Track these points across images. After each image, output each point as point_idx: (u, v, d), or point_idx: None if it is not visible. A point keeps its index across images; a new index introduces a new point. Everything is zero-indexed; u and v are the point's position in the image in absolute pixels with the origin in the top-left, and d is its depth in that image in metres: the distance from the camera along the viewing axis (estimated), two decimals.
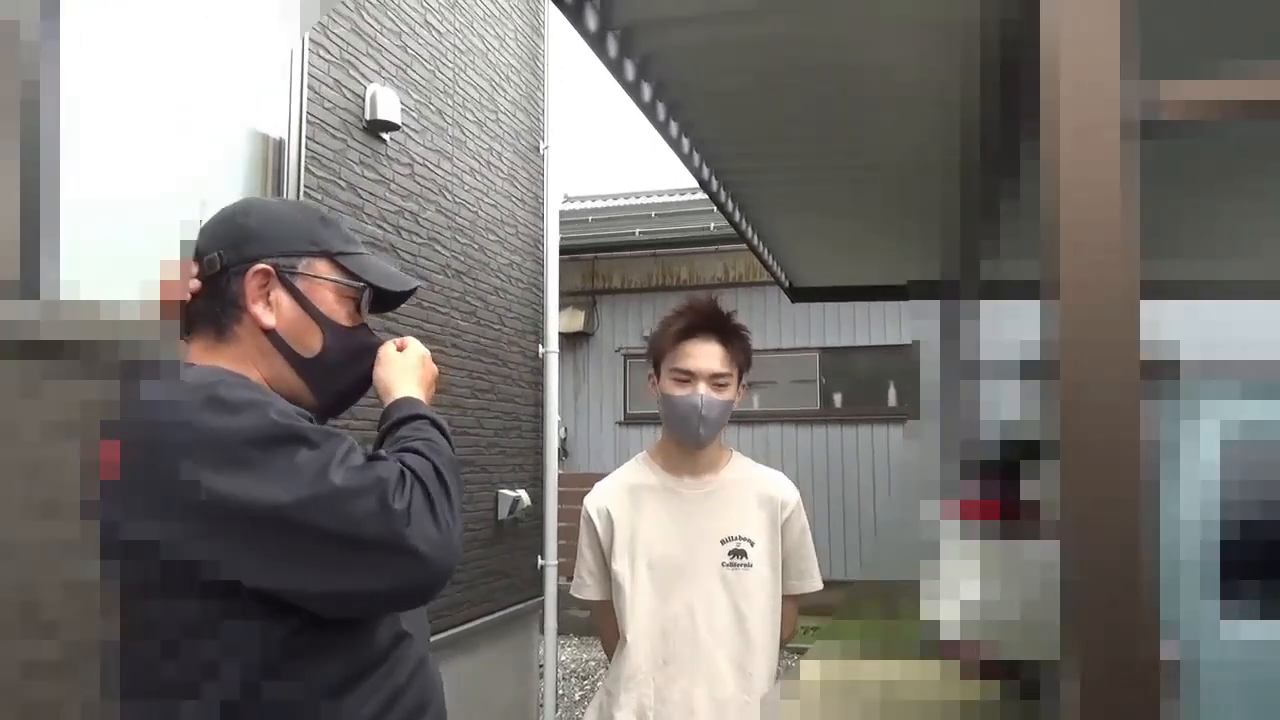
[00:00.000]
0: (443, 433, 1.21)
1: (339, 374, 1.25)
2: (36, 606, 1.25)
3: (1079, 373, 1.22)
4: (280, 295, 1.19)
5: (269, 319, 1.18)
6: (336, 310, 1.23)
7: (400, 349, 1.32)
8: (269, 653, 1.05)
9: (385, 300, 1.30)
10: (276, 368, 1.20)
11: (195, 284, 1.19)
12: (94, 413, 1.15)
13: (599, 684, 6.43)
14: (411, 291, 1.33)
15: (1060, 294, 1.23)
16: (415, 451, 1.13)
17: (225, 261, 1.18)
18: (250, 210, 1.25)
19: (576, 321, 9.28)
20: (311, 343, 1.21)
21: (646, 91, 2.99)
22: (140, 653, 1.05)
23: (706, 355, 1.97)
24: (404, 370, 1.30)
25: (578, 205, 10.03)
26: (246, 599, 1.03)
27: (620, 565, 1.99)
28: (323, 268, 1.23)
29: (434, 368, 1.36)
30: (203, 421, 1.02)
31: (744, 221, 4.61)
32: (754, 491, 2.04)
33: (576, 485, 7.04)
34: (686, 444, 2.02)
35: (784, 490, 2.06)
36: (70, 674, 1.12)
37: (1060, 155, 1.25)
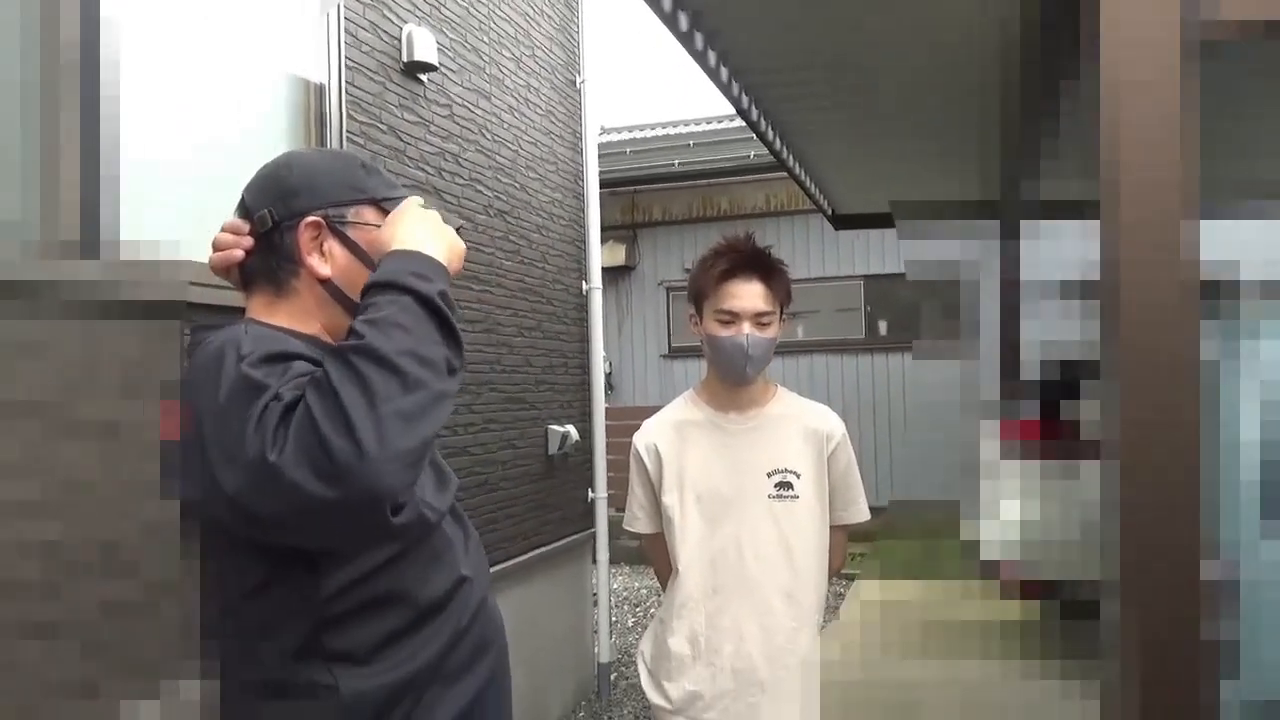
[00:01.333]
0: (421, 298, 1.07)
1: None
2: (104, 555, 1.33)
3: (1136, 292, 1.21)
4: (333, 245, 1.21)
5: (324, 269, 1.20)
6: None
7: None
8: (323, 605, 1.10)
9: None
10: (333, 316, 1.22)
11: (248, 241, 1.21)
12: (148, 371, 1.20)
13: (651, 611, 6.60)
14: (456, 230, 1.34)
15: (1117, 213, 1.22)
16: (342, 359, 1.01)
17: (276, 217, 1.20)
18: (292, 164, 1.26)
19: (618, 255, 9.27)
20: None
21: (683, 21, 2.95)
22: (206, 602, 1.14)
23: (750, 295, 1.98)
24: (414, 224, 1.18)
25: (615, 137, 9.92)
26: (292, 554, 1.09)
27: (670, 499, 2.04)
28: (370, 214, 1.24)
29: (459, 242, 1.23)
30: (214, 389, 1.04)
31: (784, 149, 4.55)
32: (799, 425, 2.07)
33: (623, 419, 7.14)
34: (732, 382, 2.05)
35: (829, 423, 2.08)
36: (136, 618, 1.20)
37: (1119, 74, 1.22)
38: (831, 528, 2.07)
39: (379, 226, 1.23)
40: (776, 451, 2.03)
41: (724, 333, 1.99)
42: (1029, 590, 3.53)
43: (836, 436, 2.07)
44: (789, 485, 2.01)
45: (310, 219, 1.20)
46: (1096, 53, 1.24)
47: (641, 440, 2.11)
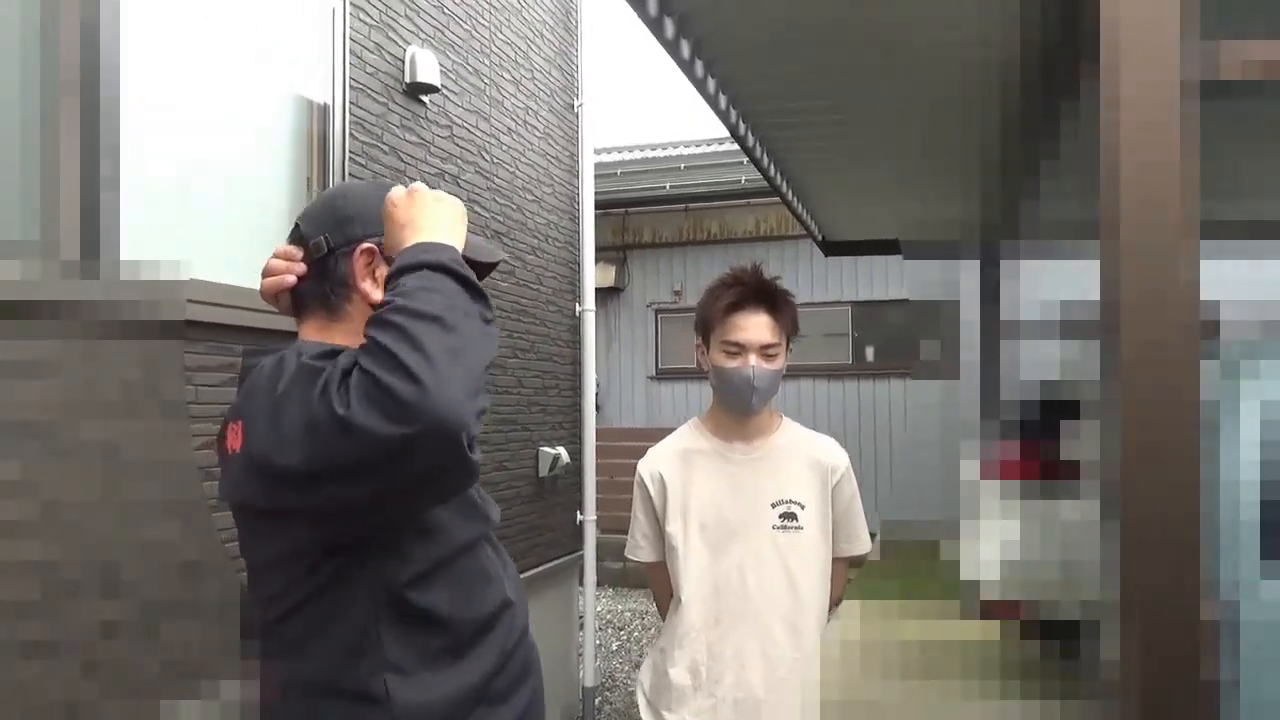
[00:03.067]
0: (445, 269, 1.12)
1: None
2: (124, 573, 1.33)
3: (1137, 330, 1.23)
4: (384, 271, 1.23)
5: (377, 294, 1.23)
6: None
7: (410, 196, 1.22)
8: (382, 608, 1.13)
9: (474, 270, 1.33)
10: None
11: (301, 267, 1.25)
12: (150, 389, 1.20)
13: (635, 635, 6.53)
14: (498, 261, 1.37)
15: (1119, 252, 1.24)
16: (381, 322, 1.05)
17: (331, 244, 1.24)
18: (348, 194, 1.32)
19: (607, 276, 9.29)
20: None
21: (685, 49, 2.98)
22: (263, 609, 1.17)
23: (756, 327, 1.99)
24: (410, 217, 1.19)
25: (606, 158, 9.96)
26: (350, 563, 1.11)
27: (674, 527, 2.04)
28: None
29: (452, 201, 1.24)
30: (273, 387, 1.09)
31: (778, 175, 4.59)
32: (804, 456, 2.07)
33: (610, 440, 7.09)
34: (738, 413, 2.05)
35: (834, 455, 2.09)
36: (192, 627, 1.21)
37: (1120, 117, 1.24)
38: (833, 559, 2.07)
39: None
40: (781, 482, 2.03)
41: (730, 364, 1.99)
42: (1026, 626, 3.54)
43: (841, 469, 2.07)
44: (793, 516, 2.01)
45: (365, 245, 1.23)
46: (1095, 90, 1.26)
47: (646, 468, 2.11)
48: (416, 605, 1.15)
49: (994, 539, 3.65)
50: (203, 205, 2.50)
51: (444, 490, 1.13)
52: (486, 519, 1.30)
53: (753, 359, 1.98)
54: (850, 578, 2.21)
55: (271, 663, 1.16)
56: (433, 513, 1.18)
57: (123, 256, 2.04)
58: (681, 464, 2.08)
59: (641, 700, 2.10)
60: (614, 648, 6.11)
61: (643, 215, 9.53)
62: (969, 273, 5.40)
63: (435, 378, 0.99)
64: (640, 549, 2.13)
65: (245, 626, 1.17)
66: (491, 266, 1.35)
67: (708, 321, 2.05)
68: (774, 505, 2.01)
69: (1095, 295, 1.32)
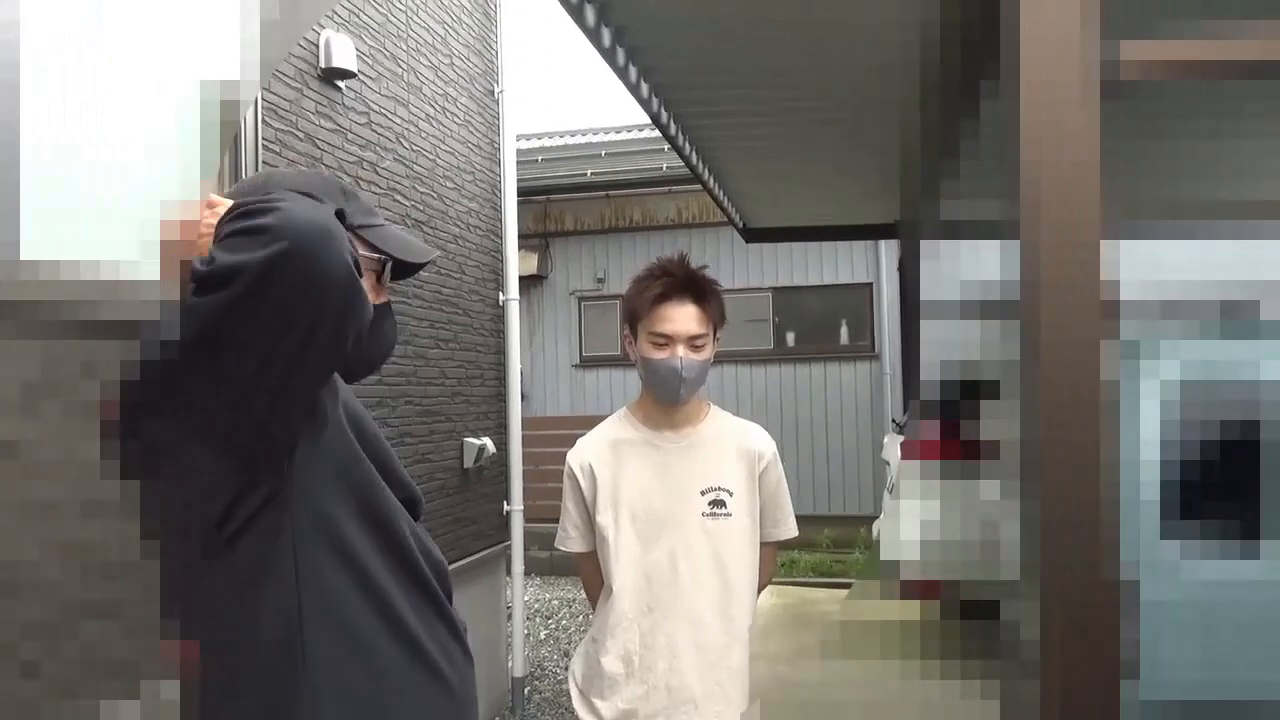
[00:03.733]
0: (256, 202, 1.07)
1: (363, 343, 1.21)
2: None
3: (1052, 312, 1.27)
4: None
5: None
6: None
7: (212, 206, 1.13)
8: (299, 541, 1.13)
9: (403, 269, 1.29)
10: None
11: None
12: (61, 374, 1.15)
13: (563, 623, 6.53)
14: (429, 261, 1.33)
15: (1024, 237, 1.28)
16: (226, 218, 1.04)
17: None
18: (270, 184, 1.21)
19: (529, 264, 9.21)
20: None
21: (607, 36, 2.97)
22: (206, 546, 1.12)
23: (684, 318, 2.00)
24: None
25: (527, 144, 9.86)
26: (273, 499, 1.09)
27: (604, 518, 2.04)
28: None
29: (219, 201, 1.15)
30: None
31: (700, 163, 4.62)
32: (732, 443, 2.09)
33: (535, 429, 7.04)
34: (667, 403, 2.06)
35: (761, 442, 2.12)
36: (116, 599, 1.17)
37: (1024, 112, 1.29)
38: (760, 544, 2.10)
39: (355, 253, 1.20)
40: (710, 470, 2.05)
41: (658, 355, 2.00)
42: (942, 598, 3.64)
43: (768, 455, 2.10)
44: (722, 503, 2.03)
45: None
46: (1014, 86, 1.31)
47: (576, 459, 2.11)
48: (338, 541, 1.15)
49: (914, 519, 3.75)
50: (103, 196, 2.40)
51: (337, 320, 1.04)
52: (400, 484, 1.27)
53: (680, 350, 1.99)
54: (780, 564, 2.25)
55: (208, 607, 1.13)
56: (341, 444, 1.16)
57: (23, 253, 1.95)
58: (611, 454, 2.08)
59: (574, 690, 2.11)
60: (542, 636, 6.10)
61: (564, 202, 9.47)
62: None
63: (289, 205, 1.00)
64: (570, 539, 2.12)
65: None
66: (419, 266, 1.32)
67: (635, 312, 2.05)
68: (703, 493, 2.03)
69: (1004, 279, 1.37)
